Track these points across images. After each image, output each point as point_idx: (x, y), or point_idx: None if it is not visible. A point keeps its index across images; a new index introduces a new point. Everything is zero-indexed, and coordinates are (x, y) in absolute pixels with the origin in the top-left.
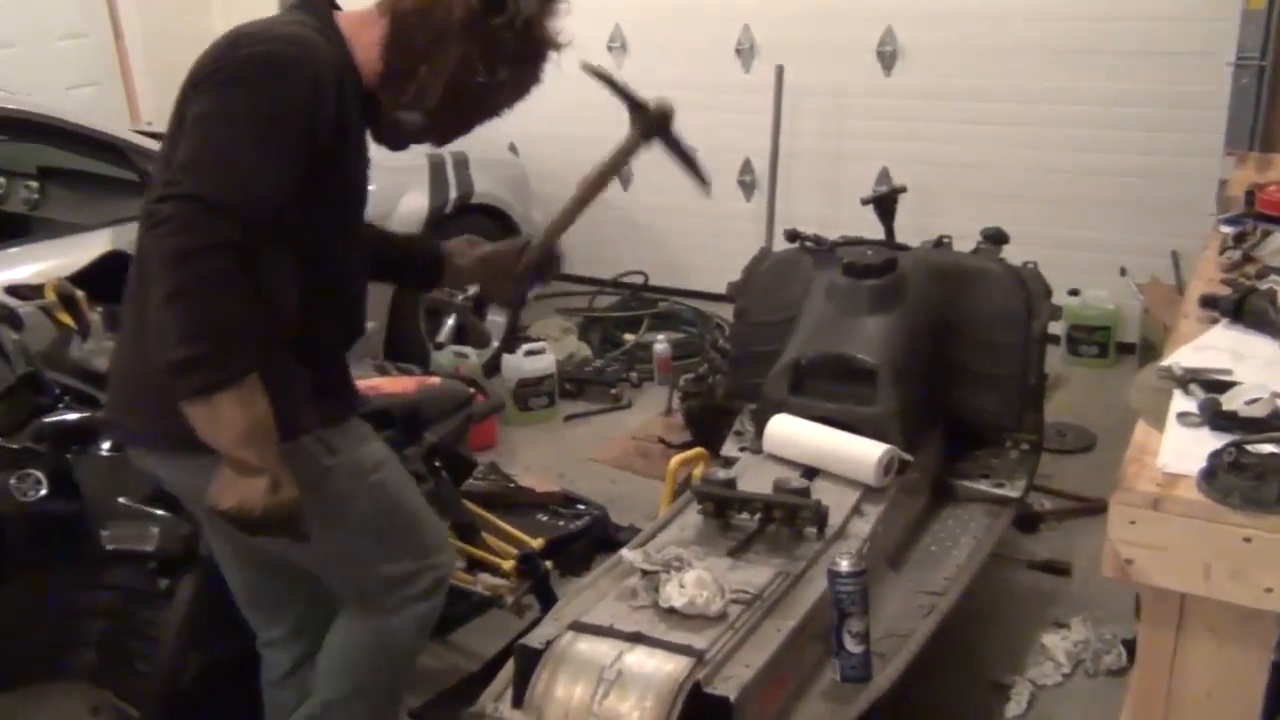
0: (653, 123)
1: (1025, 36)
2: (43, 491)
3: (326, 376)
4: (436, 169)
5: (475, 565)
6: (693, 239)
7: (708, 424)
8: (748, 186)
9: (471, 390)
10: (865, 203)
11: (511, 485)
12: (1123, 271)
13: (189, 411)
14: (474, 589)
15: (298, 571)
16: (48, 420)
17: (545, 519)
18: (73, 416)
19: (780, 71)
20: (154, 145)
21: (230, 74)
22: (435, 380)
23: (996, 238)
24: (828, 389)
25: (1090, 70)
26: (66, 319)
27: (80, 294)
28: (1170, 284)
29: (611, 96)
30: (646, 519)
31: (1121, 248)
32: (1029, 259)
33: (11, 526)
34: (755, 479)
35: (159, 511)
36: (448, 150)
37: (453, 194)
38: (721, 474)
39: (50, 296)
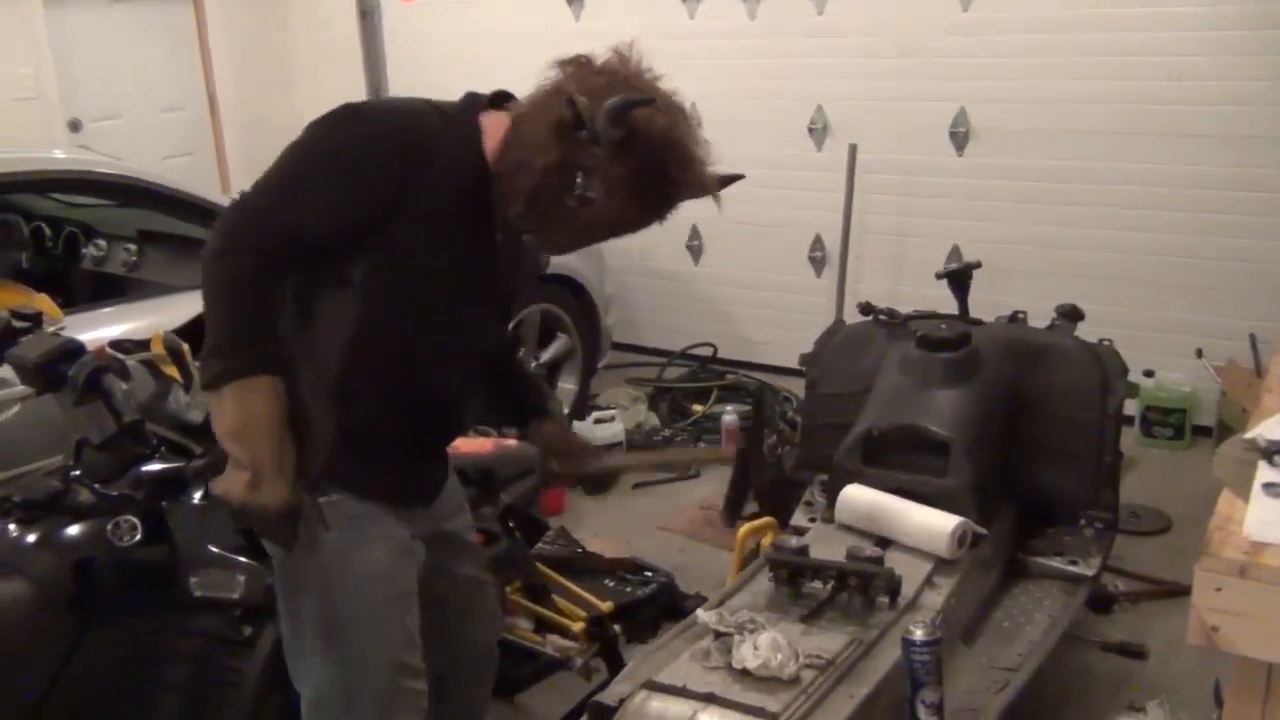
0: None
1: (1099, 120)
2: (137, 537)
3: (360, 443)
4: None
5: (544, 627)
6: (762, 313)
7: (776, 495)
8: (818, 262)
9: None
10: (940, 277)
11: (580, 550)
12: (1199, 353)
13: (207, 399)
14: (543, 649)
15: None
16: (145, 469)
17: (613, 584)
18: (169, 466)
19: (853, 150)
20: None
21: (317, 121)
22: (510, 442)
23: (1072, 314)
24: (900, 460)
25: (1166, 153)
26: (172, 371)
27: (186, 346)
28: (1249, 367)
29: None
30: (713, 588)
31: (1198, 329)
32: (1104, 337)
33: (106, 570)
34: (827, 548)
35: (245, 560)
36: None
37: None
38: (794, 542)
39: (157, 349)
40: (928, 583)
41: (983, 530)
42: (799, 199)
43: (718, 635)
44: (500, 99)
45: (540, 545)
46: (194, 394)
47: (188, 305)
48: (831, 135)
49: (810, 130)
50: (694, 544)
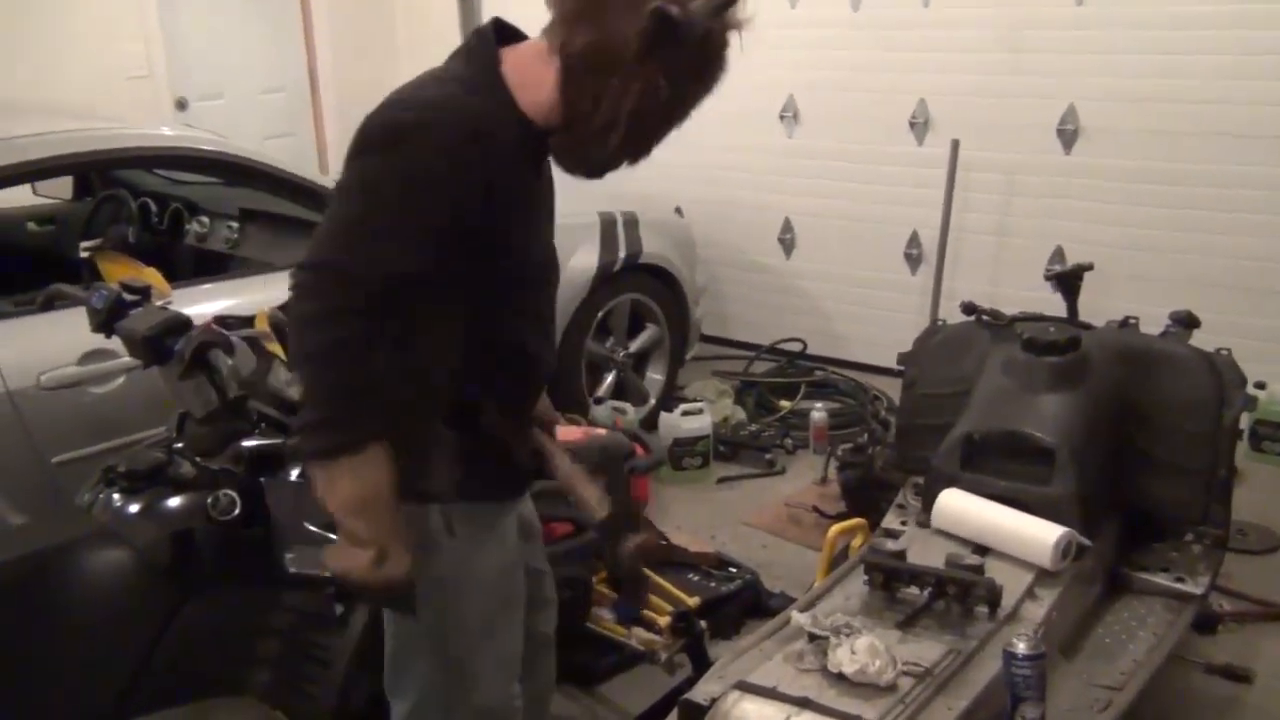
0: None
1: (1218, 121)
2: (235, 512)
3: (484, 447)
4: (607, 228)
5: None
6: (854, 309)
7: (865, 495)
8: (913, 260)
9: (633, 443)
10: (1049, 279)
11: (665, 543)
12: None
13: (311, 473)
14: (627, 642)
15: None
16: (245, 444)
17: (697, 579)
18: (268, 442)
19: (956, 146)
20: None
21: (365, 144)
22: (601, 432)
23: (1187, 321)
24: (1001, 466)
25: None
26: (275, 348)
27: None
28: None
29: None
30: (799, 587)
31: None
32: (1221, 346)
33: (204, 543)
34: (924, 553)
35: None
36: (618, 210)
37: (622, 253)
38: (890, 545)
39: (262, 326)
40: (1028, 594)
41: (1087, 542)
42: (897, 195)
43: (812, 638)
44: (506, 33)
45: None
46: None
47: (285, 283)
48: (933, 130)
49: (911, 125)
50: (778, 541)
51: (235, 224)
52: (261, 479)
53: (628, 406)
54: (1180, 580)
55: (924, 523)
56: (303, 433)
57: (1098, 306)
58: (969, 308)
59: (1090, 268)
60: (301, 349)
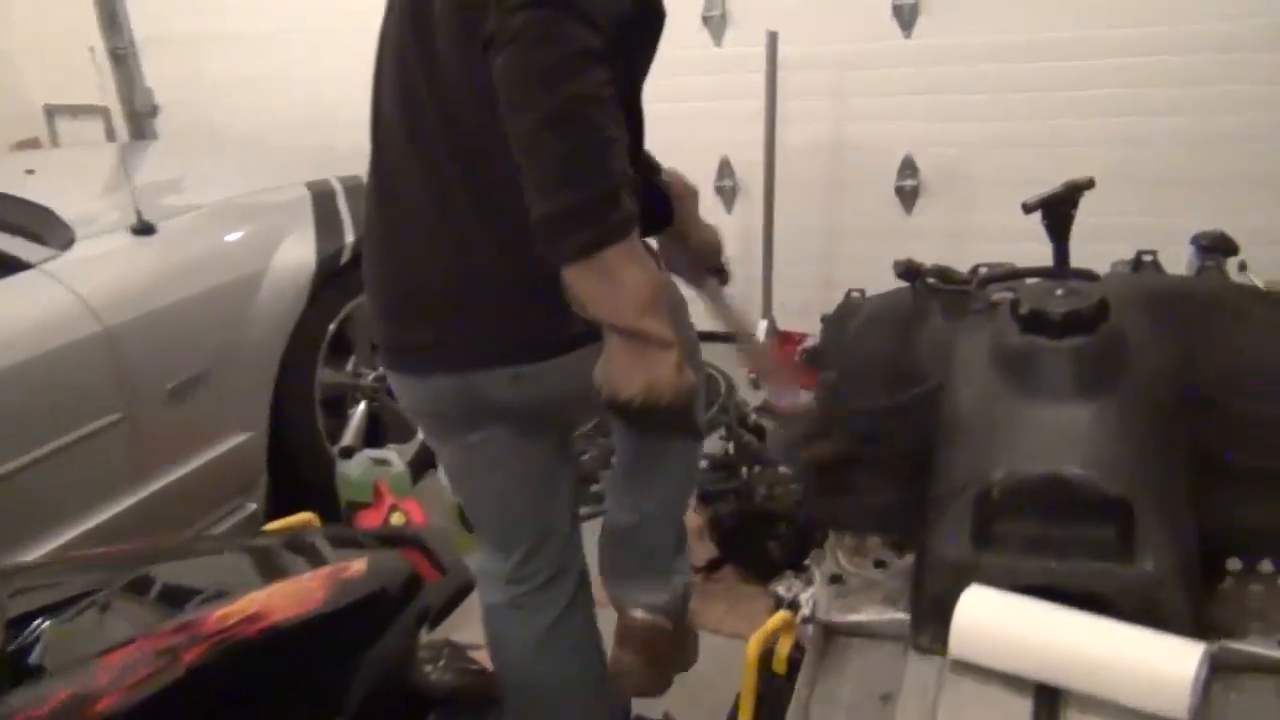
0: None
1: None
2: None
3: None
4: (323, 203)
5: None
6: None
7: (743, 535)
8: (728, 193)
9: (412, 565)
10: (1030, 210)
11: (478, 668)
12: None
13: (575, 278)
14: None
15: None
16: None
17: None
18: None
19: (774, 40)
20: None
21: None
22: (356, 567)
23: (1221, 246)
24: (1041, 535)
25: (1193, 8)
26: None
27: None
28: None
29: None
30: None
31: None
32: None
33: None
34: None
35: None
36: (334, 176)
37: (349, 238)
38: None
39: None
40: None
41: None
42: (697, 111)
43: None
44: None
45: (427, 668)
46: None
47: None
48: (734, 24)
49: (705, 20)
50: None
51: None
52: None
53: (390, 455)
54: None
55: (928, 646)
56: (564, 222)
57: (957, 225)
58: (907, 269)
59: (1091, 185)
60: (544, 109)
